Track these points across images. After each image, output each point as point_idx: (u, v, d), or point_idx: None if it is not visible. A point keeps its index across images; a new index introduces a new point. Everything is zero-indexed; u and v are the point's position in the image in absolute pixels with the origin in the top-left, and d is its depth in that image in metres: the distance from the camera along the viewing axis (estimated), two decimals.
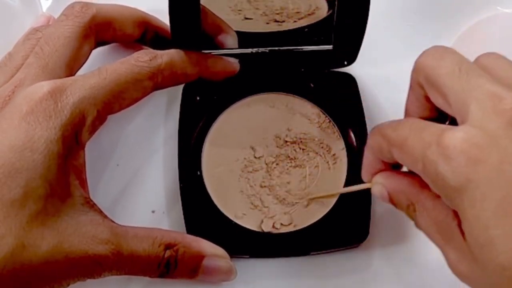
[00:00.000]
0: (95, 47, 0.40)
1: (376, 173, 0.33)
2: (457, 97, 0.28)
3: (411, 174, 0.31)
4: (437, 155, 0.27)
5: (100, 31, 0.39)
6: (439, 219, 0.29)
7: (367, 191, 0.38)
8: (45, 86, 0.33)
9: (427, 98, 0.31)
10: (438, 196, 0.29)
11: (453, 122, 0.30)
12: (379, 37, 0.41)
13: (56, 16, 0.40)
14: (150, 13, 0.42)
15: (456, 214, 0.28)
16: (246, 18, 0.41)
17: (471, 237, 0.27)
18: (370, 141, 0.33)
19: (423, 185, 0.30)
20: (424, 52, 0.31)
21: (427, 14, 0.46)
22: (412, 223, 0.39)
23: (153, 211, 0.40)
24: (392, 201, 0.32)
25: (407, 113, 0.33)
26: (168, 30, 0.41)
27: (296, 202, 0.39)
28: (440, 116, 0.31)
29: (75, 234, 0.32)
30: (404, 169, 0.33)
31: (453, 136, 0.27)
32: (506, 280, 0.26)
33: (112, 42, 0.42)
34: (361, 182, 0.35)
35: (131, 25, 0.40)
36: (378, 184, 0.33)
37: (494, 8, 0.46)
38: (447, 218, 0.29)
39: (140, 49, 0.42)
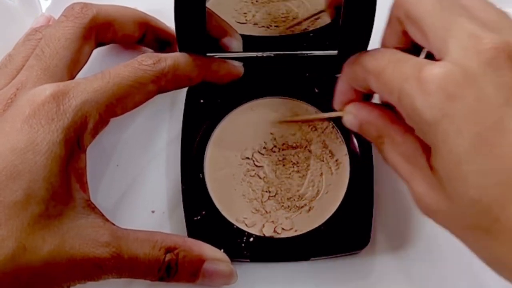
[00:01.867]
0: (95, 47, 0.39)
1: (347, 103, 0.34)
2: (436, 33, 0.29)
3: (383, 106, 0.32)
4: (415, 89, 0.28)
5: (101, 32, 0.39)
6: (407, 153, 0.30)
7: (369, 198, 0.38)
8: (47, 89, 0.33)
9: (405, 33, 0.31)
10: (408, 130, 0.30)
11: (429, 55, 0.30)
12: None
13: (56, 17, 0.40)
14: (150, 13, 0.42)
15: (425, 149, 0.29)
16: (251, 21, 0.41)
17: (442, 171, 0.28)
18: (346, 69, 0.33)
19: (394, 119, 0.31)
20: None
21: None
22: (412, 229, 0.39)
23: (153, 211, 0.40)
24: (362, 131, 0.33)
25: (383, 45, 0.34)
26: (168, 31, 0.41)
27: (298, 207, 0.39)
28: (415, 49, 0.32)
29: (76, 237, 0.32)
30: (375, 100, 0.34)
31: (432, 71, 0.27)
32: (476, 213, 0.27)
33: (112, 43, 0.42)
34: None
35: (131, 26, 0.40)
36: (350, 114, 0.34)
37: None
38: (416, 152, 0.29)
39: (140, 50, 0.42)
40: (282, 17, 0.40)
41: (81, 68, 0.38)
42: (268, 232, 0.38)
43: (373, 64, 0.31)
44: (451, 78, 0.27)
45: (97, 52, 0.41)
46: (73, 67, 0.37)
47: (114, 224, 0.34)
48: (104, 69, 0.35)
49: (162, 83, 0.37)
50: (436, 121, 0.27)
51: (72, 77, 0.37)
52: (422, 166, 0.29)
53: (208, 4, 0.37)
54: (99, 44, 0.40)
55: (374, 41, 0.38)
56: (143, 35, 0.42)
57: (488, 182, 0.26)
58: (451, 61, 0.28)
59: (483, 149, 0.26)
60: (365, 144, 0.40)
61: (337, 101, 0.35)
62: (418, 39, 0.30)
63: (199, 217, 0.38)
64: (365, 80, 0.31)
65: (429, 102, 0.27)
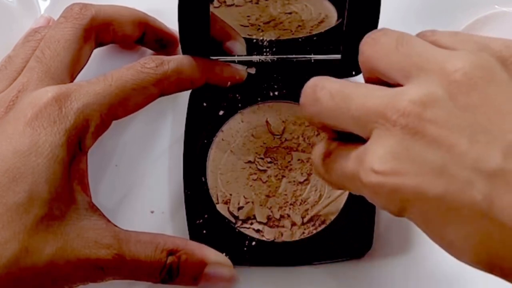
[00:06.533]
0: (95, 48, 0.39)
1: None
2: (399, 66, 0.27)
3: None
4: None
5: (100, 33, 0.38)
6: None
7: (372, 203, 0.38)
8: (49, 91, 0.33)
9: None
10: None
11: None
12: None
13: (55, 17, 0.40)
14: (150, 13, 0.41)
15: None
16: (255, 25, 0.41)
17: None
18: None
19: None
20: (361, 43, 0.30)
21: (427, 16, 0.46)
22: (415, 234, 0.39)
23: (152, 211, 0.40)
24: None
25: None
26: (167, 32, 0.41)
27: (301, 212, 0.39)
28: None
29: (78, 238, 0.32)
30: None
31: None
32: None
33: (111, 43, 0.41)
34: None
35: (131, 26, 0.40)
36: None
37: (492, 7, 0.45)
38: None
39: (139, 50, 0.42)
40: (286, 21, 0.40)
41: (82, 68, 0.38)
42: (270, 236, 0.38)
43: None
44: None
45: (97, 52, 0.40)
46: (73, 68, 0.37)
47: (116, 226, 0.34)
48: (103, 69, 0.35)
49: (164, 86, 0.37)
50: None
51: (72, 78, 0.37)
52: None
53: (212, 8, 0.37)
54: (99, 44, 0.40)
55: None
56: (143, 35, 0.41)
57: None
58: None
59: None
60: None
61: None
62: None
63: (201, 221, 0.38)
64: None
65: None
